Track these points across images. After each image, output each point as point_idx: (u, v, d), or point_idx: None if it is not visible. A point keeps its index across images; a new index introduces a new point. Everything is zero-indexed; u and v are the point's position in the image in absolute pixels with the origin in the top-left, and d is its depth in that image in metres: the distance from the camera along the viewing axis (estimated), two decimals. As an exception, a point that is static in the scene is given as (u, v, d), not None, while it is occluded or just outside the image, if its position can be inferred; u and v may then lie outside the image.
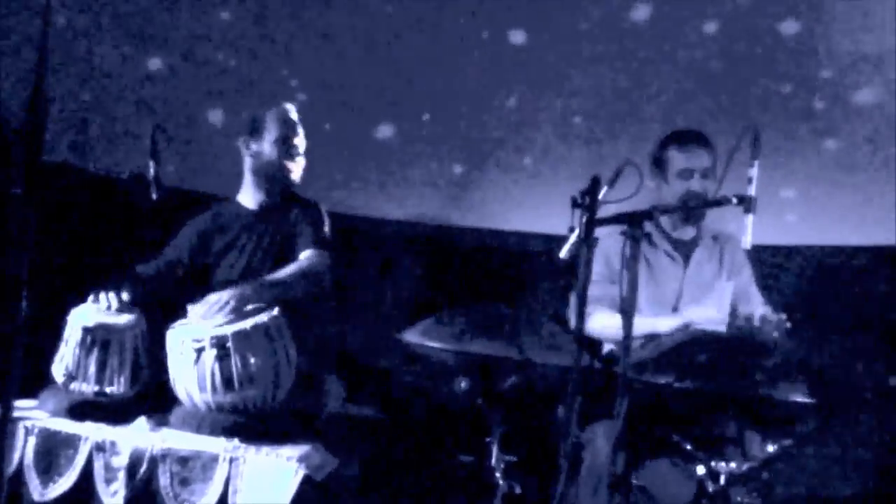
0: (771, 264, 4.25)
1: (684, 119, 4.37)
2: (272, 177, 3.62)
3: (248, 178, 3.68)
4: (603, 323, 3.37)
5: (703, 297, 3.42)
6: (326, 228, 3.63)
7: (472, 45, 4.62)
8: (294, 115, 3.66)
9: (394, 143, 4.70)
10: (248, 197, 3.70)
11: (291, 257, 3.54)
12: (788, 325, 3.17)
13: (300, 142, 3.64)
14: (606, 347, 3.57)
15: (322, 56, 4.68)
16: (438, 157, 4.69)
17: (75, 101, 4.55)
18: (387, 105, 4.69)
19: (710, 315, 3.29)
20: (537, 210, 4.54)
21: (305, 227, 3.57)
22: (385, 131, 4.69)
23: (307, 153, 3.66)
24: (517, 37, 4.62)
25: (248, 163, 3.66)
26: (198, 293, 3.42)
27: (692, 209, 3.49)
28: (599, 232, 2.93)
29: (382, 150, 4.70)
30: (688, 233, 3.64)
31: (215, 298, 3.24)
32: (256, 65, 4.69)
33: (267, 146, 3.60)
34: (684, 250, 3.61)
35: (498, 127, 4.65)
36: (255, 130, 3.62)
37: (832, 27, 4.35)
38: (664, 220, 3.62)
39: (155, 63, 4.67)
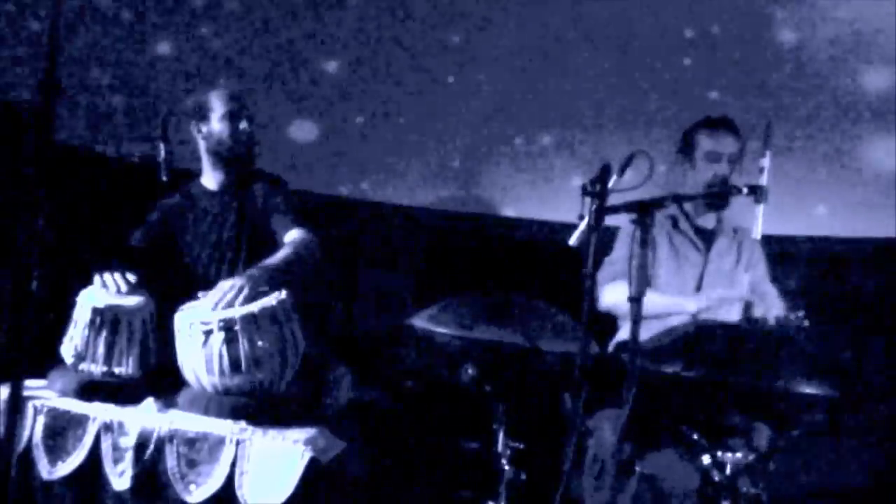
0: (783, 255, 4.22)
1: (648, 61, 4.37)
2: (226, 154, 3.63)
3: (205, 161, 3.70)
4: (618, 296, 3.37)
5: (722, 287, 3.43)
6: (296, 202, 3.64)
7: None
8: (235, 92, 3.69)
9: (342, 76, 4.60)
10: (209, 178, 3.71)
11: (266, 234, 3.55)
12: (806, 323, 3.16)
13: (247, 116, 3.64)
14: (620, 337, 3.57)
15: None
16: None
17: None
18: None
19: (732, 294, 3.31)
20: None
21: (279, 205, 3.58)
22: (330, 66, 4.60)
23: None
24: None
25: (202, 145, 3.68)
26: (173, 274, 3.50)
27: (712, 196, 3.48)
28: (620, 219, 2.93)
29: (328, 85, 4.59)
30: (710, 221, 3.63)
31: (228, 285, 3.23)
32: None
33: (216, 124, 3.62)
34: (706, 238, 3.61)
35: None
36: (201, 112, 3.64)
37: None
38: (688, 207, 3.62)
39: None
